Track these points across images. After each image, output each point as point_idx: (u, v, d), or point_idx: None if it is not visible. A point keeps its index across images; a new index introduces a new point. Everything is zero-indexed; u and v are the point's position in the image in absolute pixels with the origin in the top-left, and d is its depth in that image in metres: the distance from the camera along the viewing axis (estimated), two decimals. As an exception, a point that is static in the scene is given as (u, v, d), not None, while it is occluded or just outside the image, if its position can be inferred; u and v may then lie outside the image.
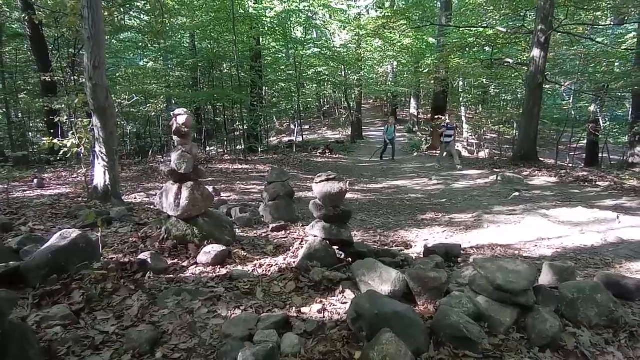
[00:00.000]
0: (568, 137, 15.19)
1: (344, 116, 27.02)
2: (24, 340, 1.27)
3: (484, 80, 16.70)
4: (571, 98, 13.10)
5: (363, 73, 22.67)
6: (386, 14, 13.74)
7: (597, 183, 6.24)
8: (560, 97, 15.68)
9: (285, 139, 19.90)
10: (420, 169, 9.82)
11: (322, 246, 2.61)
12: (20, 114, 15.16)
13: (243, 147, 14.65)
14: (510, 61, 11.35)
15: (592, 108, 13.28)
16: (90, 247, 2.33)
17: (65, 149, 4.53)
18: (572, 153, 14.09)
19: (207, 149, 13.83)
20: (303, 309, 2.05)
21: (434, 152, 15.67)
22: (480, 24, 12.74)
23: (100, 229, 2.46)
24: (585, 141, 14.15)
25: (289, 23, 15.86)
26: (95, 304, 1.96)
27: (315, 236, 2.69)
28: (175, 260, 2.66)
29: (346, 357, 1.61)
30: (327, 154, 14.32)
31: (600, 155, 13.13)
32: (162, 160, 11.29)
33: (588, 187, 6.05)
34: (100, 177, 4.45)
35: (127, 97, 12.31)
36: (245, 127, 14.02)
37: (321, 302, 2.12)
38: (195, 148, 2.91)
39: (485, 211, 4.67)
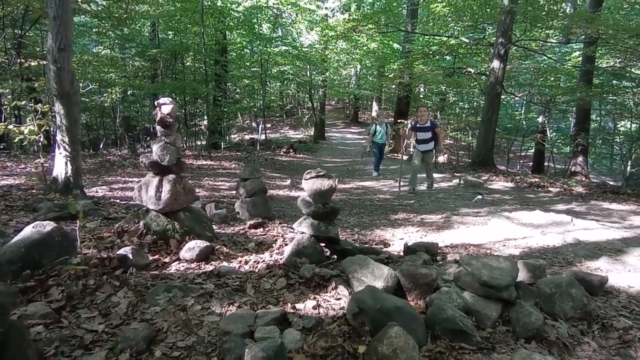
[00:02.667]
0: (517, 145, 16.27)
1: (307, 116, 27.12)
2: (22, 339, 1.16)
3: (443, 87, 17.48)
4: (523, 109, 14.05)
5: (328, 74, 22.88)
6: (355, 17, 13.92)
7: (549, 189, 6.75)
8: (512, 107, 16.73)
9: (247, 137, 19.63)
10: (385, 171, 10.06)
11: (310, 243, 2.60)
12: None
13: (205, 142, 14.26)
14: (472, 71, 11.94)
15: (540, 119, 14.30)
16: (66, 241, 2.17)
17: (22, 137, 4.17)
18: (522, 161, 15.12)
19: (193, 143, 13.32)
20: (297, 306, 2.04)
21: (396, 154, 16.14)
22: (443, 34, 13.27)
23: (78, 221, 2.30)
24: (532, 150, 15.23)
25: (257, 19, 15.64)
26: (77, 301, 1.83)
27: (302, 233, 2.68)
28: (156, 256, 2.54)
29: (350, 351, 1.62)
30: (291, 153, 14.32)
31: (545, 163, 14.17)
32: (119, 153, 10.72)
33: (541, 193, 6.52)
34: (61, 167, 4.14)
35: (81, 85, 11.53)
36: (209, 123, 13.65)
37: (314, 298, 2.13)
38: (179, 140, 2.80)
39: (453, 213, 4.88)
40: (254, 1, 15.19)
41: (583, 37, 11.32)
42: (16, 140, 4.27)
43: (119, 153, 10.53)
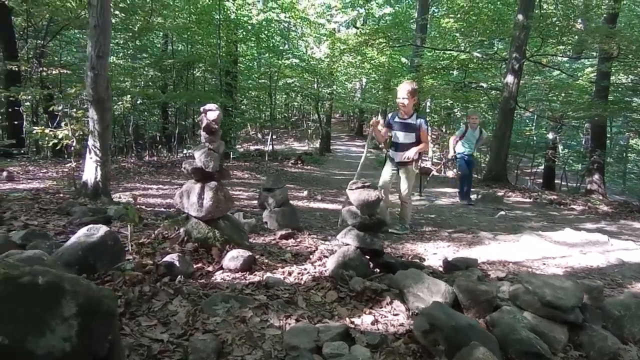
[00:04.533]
0: (525, 162, 16.25)
1: (312, 128, 27.23)
2: (120, 347, 1.11)
3: (450, 101, 17.57)
4: (533, 124, 14.07)
5: (335, 87, 23.06)
6: (367, 31, 14.08)
7: (572, 206, 6.69)
8: (522, 123, 16.77)
9: (252, 148, 19.67)
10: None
11: (356, 255, 2.55)
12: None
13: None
14: (485, 85, 11.99)
15: (550, 135, 14.30)
16: (117, 246, 2.13)
17: (56, 141, 4.16)
18: (532, 177, 15.07)
19: (185, 152, 13.37)
20: (355, 320, 1.97)
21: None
22: (454, 48, 13.39)
23: (129, 227, 2.25)
24: (542, 166, 15.19)
25: (269, 32, 15.83)
26: (135, 309, 1.77)
27: (347, 244, 2.62)
28: (199, 265, 2.48)
29: (425, 370, 1.56)
30: (299, 165, 14.34)
31: (556, 181, 14.11)
32: (132, 160, 10.72)
33: (564, 210, 6.45)
34: (91, 172, 4.11)
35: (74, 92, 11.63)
36: (223, 131, 13.71)
37: (370, 313, 2.06)
38: (223, 146, 2.77)
39: (479, 228, 4.82)
40: (266, 14, 15.46)
41: (596, 52, 11.41)
42: (50, 144, 4.25)
43: (132, 160, 10.53)
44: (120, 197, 5.03)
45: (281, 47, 17.09)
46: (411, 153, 4.17)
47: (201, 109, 2.70)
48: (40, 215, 3.41)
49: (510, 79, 9.65)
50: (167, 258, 2.27)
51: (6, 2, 9.89)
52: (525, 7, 9.45)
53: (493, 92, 13.57)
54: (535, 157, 14.56)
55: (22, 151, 9.16)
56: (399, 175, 4.40)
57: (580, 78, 12.23)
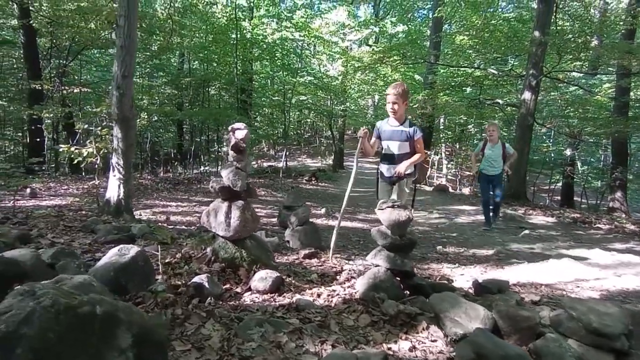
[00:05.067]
0: (542, 178, 15.95)
1: (325, 145, 27.31)
2: None
3: (464, 118, 17.48)
4: (550, 141, 13.86)
5: (348, 104, 23.21)
6: (382, 49, 14.20)
7: (598, 225, 6.49)
8: (539, 139, 16.56)
9: (265, 164, 19.78)
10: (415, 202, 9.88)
11: (387, 277, 2.48)
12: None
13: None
14: (500, 102, 11.92)
15: (567, 152, 14.06)
16: (147, 266, 2.11)
17: (80, 158, 4.22)
18: (550, 195, 14.77)
19: (201, 168, 13.54)
20: (392, 347, 1.90)
21: (418, 185, 15.93)
22: (468, 65, 13.39)
23: (159, 247, 2.23)
24: (560, 183, 14.89)
25: (284, 50, 16.11)
26: (168, 332, 1.73)
27: (377, 265, 2.56)
28: (227, 285, 2.44)
29: (473, 403, 1.47)
30: (314, 182, 14.34)
31: (575, 198, 13.80)
32: (150, 177, 10.84)
33: (590, 229, 6.27)
34: (114, 190, 4.15)
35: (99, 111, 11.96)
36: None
37: (407, 339, 1.98)
38: (250, 165, 2.76)
39: (505, 248, 4.69)
40: (281, 33, 15.78)
41: (613, 68, 11.28)
42: (75, 161, 4.31)
43: (149, 177, 10.65)
44: (140, 215, 5.05)
45: (295, 65, 17.35)
46: (402, 168, 3.52)
47: (229, 127, 2.71)
48: (66, 232, 3.44)
49: (527, 95, 9.57)
50: (196, 279, 2.24)
51: (33, 24, 10.32)
52: (542, 23, 9.44)
53: (508, 108, 13.48)
54: (552, 173, 14.29)
55: (43, 168, 9.36)
56: (394, 191, 3.73)
57: (598, 94, 12.08)
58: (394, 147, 3.66)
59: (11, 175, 4.19)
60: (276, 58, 15.37)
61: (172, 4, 9.40)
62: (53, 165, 11.31)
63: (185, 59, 16.32)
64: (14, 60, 13.92)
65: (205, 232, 4.18)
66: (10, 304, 0.79)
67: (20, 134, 16.42)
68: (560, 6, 10.61)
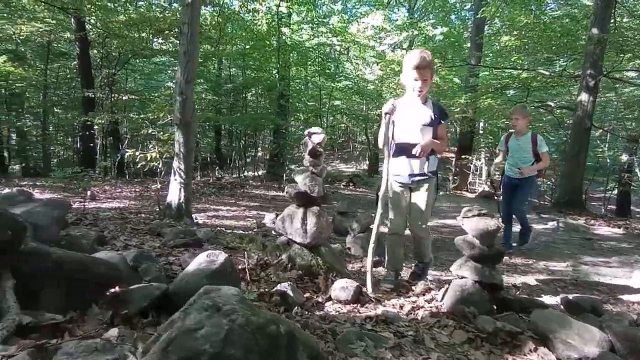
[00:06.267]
0: (594, 185, 15.01)
1: (359, 149, 27.10)
2: None
3: (507, 122, 16.78)
4: (606, 145, 13.02)
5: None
6: (423, 53, 13.91)
7: (676, 237, 5.96)
8: (592, 143, 15.64)
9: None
10: (458, 209, 9.53)
11: (475, 290, 2.31)
12: (51, 127, 15.38)
13: (267, 172, 14.57)
14: (552, 104, 11.34)
15: (624, 157, 13.17)
16: (234, 274, 2.05)
17: (144, 162, 4.33)
18: (605, 203, 13.85)
19: (245, 173, 13.80)
20: (500, 368, 1.75)
21: (460, 192, 15.38)
22: (515, 66, 12.86)
23: (246, 253, 2.19)
24: (614, 192, 13.95)
25: (322, 55, 16.16)
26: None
27: (463, 277, 2.40)
28: (307, 294, 2.36)
29: None
30: (351, 187, 14.23)
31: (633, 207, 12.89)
32: (195, 182, 11.08)
33: (668, 241, 5.76)
34: (175, 194, 4.21)
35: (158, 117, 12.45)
36: (276, 153, 14.04)
37: (514, 360, 1.82)
38: (325, 170, 2.68)
39: (577, 261, 4.37)
40: (319, 39, 15.85)
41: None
42: (139, 165, 4.43)
43: (193, 181, 10.88)
44: (196, 219, 5.10)
45: (332, 70, 17.36)
46: (425, 145, 2.58)
47: (305, 131, 2.65)
48: (134, 235, 3.49)
49: (584, 96, 9.03)
50: (281, 287, 2.17)
51: (88, 36, 10.88)
52: (601, 20, 8.90)
53: (558, 111, 12.81)
54: (608, 181, 13.40)
55: (97, 172, 9.79)
56: (413, 197, 2.77)
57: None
58: (414, 134, 2.63)
59: (81, 178, 4.33)
60: (314, 63, 15.43)
61: (219, 13, 9.62)
62: (102, 170, 11.82)
63: (224, 66, 16.69)
64: (68, 70, 14.78)
65: (264, 237, 4.16)
66: (199, 320, 0.73)
67: (70, 139, 17.42)
68: (619, 1, 9.96)
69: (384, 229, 3.02)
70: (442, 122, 2.75)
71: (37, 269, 1.45)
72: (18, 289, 1.32)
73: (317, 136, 2.57)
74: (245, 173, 15.00)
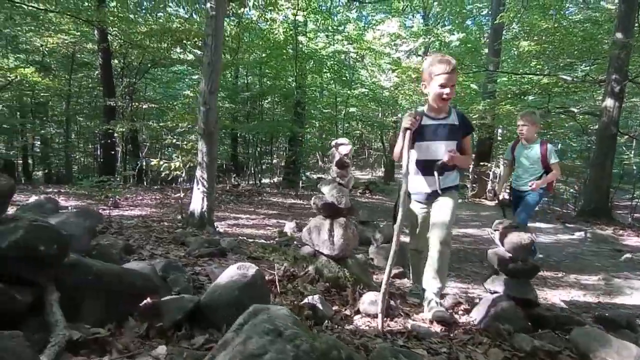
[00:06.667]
0: (620, 193, 14.55)
1: (374, 157, 27.02)
2: None
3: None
4: (632, 152, 12.64)
5: (400, 115, 22.84)
6: (440, 59, 13.83)
7: None
8: (617, 150, 15.21)
9: (314, 176, 19.81)
10: (477, 217, 9.38)
11: (509, 306, 2.25)
12: (73, 135, 15.82)
13: (283, 179, 14.64)
14: (575, 110, 11.09)
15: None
16: (265, 286, 2.04)
17: (168, 172, 4.40)
18: (631, 212, 13.41)
19: (262, 180, 13.91)
20: (542, 389, 1.68)
21: (478, 199, 15.11)
22: (535, 72, 12.65)
23: (276, 265, 2.18)
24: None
25: (338, 63, 16.23)
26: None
27: (496, 292, 2.34)
28: (335, 307, 2.33)
29: None
30: (368, 194, 14.15)
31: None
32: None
33: None
34: (197, 203, 4.24)
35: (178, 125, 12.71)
36: (292, 160, 14.10)
37: (557, 381, 1.75)
38: (352, 181, 2.66)
39: (610, 274, 4.21)
40: (335, 46, 15.93)
41: None
42: (163, 174, 4.50)
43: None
44: (217, 227, 5.12)
45: (348, 78, 17.41)
46: (451, 155, 2.32)
47: (332, 142, 2.64)
48: (159, 244, 3.52)
49: (609, 102, 8.81)
50: (310, 300, 2.15)
51: (110, 47, 11.17)
52: (625, 24, 8.71)
53: (580, 116, 12.52)
54: (635, 188, 12.97)
55: (118, 179, 9.99)
56: (434, 207, 2.48)
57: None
58: (438, 149, 2.40)
59: (109, 187, 4.42)
60: (330, 70, 15.50)
61: (238, 23, 9.79)
62: (122, 177, 12.06)
63: (240, 74, 16.91)
64: (90, 80, 15.21)
65: (286, 246, 4.15)
66: (261, 345, 0.72)
67: (90, 147, 17.88)
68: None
69: (406, 238, 2.93)
70: (467, 134, 2.53)
71: (79, 282, 1.47)
72: (61, 302, 1.33)
73: (344, 147, 2.56)
74: (268, 180, 15.10)
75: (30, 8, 9.47)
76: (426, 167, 2.46)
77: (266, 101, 17.05)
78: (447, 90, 2.33)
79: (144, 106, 12.57)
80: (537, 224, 8.29)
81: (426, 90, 2.45)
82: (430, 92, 2.40)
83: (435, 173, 2.40)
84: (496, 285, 2.34)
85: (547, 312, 2.43)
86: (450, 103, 2.49)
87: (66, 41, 11.90)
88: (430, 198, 2.52)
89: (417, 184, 2.54)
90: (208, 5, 4.22)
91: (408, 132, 2.21)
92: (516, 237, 2.30)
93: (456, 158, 2.35)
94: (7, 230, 1.21)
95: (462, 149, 2.47)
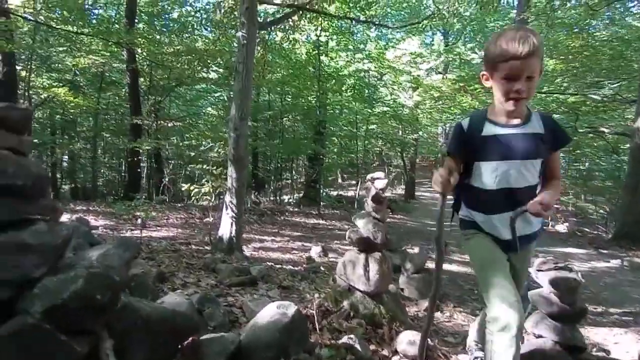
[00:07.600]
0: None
1: (394, 174, 26.83)
2: None
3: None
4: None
5: (420, 133, 22.71)
6: (462, 77, 13.80)
7: None
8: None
9: (333, 193, 19.76)
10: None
11: (556, 352, 2.14)
12: (99, 150, 16.34)
13: (302, 196, 14.68)
14: (606, 130, 10.80)
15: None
16: (304, 326, 2.02)
17: (198, 196, 4.47)
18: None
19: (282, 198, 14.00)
20: None
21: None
22: (561, 91, 12.42)
23: (314, 303, 2.15)
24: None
25: (360, 81, 16.36)
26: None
27: (541, 336, 2.24)
28: (372, 346, 2.28)
29: None
30: (389, 213, 13.97)
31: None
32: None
33: None
34: (226, 228, 4.27)
35: (202, 142, 12.97)
36: (313, 179, 14.15)
37: None
38: (387, 215, 2.63)
39: (652, 307, 4.01)
40: (355, 65, 16.09)
41: None
42: (192, 198, 4.57)
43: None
44: (244, 251, 5.14)
45: (369, 96, 17.50)
46: (549, 199, 1.48)
47: (368, 176, 2.63)
48: (190, 270, 3.54)
49: (642, 123, 8.57)
50: (347, 340, 2.11)
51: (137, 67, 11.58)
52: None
53: (610, 136, 12.17)
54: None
55: (143, 197, 10.20)
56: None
57: None
58: (514, 172, 1.56)
59: (141, 209, 4.51)
60: (352, 89, 15.63)
61: (264, 46, 10.05)
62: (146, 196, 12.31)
63: (262, 92, 17.22)
64: (117, 97, 15.76)
65: (314, 273, 4.11)
66: None
67: (114, 161, 18.41)
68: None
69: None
70: (558, 148, 1.65)
71: (128, 325, 1.48)
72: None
73: (380, 181, 2.54)
74: (289, 199, 15.18)
75: (64, 32, 9.94)
76: (497, 199, 1.61)
77: (286, 119, 17.26)
78: (518, 85, 1.45)
79: (168, 124, 12.92)
80: (569, 249, 8.01)
81: (488, 84, 1.60)
82: (494, 87, 1.55)
83: (511, 228, 1.58)
84: (541, 329, 2.24)
85: (593, 357, 2.31)
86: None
87: (96, 61, 12.39)
88: (506, 248, 1.68)
89: (491, 223, 1.69)
90: (239, 34, 4.33)
91: (442, 199, 1.50)
92: (561, 280, 2.21)
93: (547, 204, 1.46)
94: (67, 280, 1.23)
95: (550, 169, 1.64)
